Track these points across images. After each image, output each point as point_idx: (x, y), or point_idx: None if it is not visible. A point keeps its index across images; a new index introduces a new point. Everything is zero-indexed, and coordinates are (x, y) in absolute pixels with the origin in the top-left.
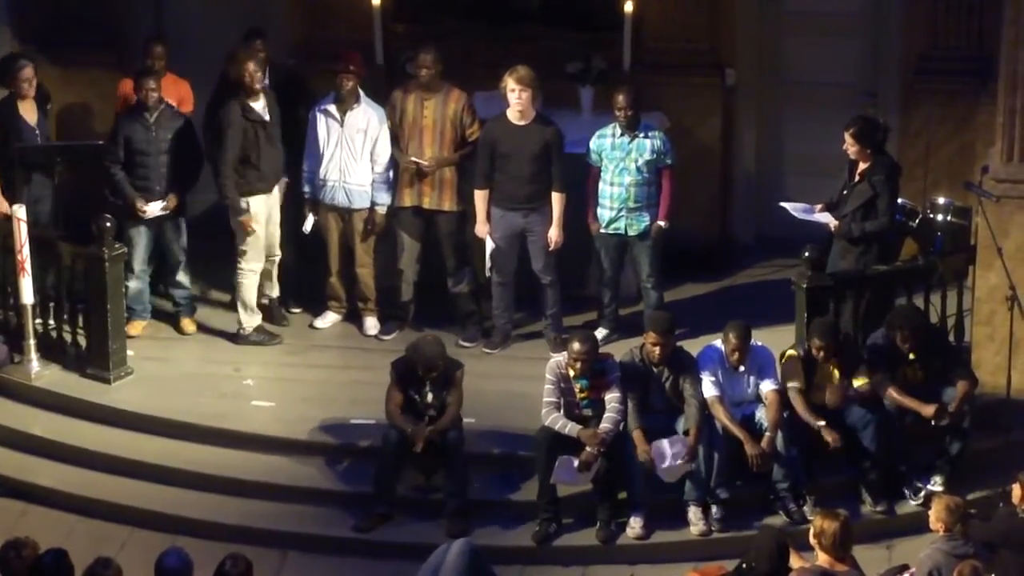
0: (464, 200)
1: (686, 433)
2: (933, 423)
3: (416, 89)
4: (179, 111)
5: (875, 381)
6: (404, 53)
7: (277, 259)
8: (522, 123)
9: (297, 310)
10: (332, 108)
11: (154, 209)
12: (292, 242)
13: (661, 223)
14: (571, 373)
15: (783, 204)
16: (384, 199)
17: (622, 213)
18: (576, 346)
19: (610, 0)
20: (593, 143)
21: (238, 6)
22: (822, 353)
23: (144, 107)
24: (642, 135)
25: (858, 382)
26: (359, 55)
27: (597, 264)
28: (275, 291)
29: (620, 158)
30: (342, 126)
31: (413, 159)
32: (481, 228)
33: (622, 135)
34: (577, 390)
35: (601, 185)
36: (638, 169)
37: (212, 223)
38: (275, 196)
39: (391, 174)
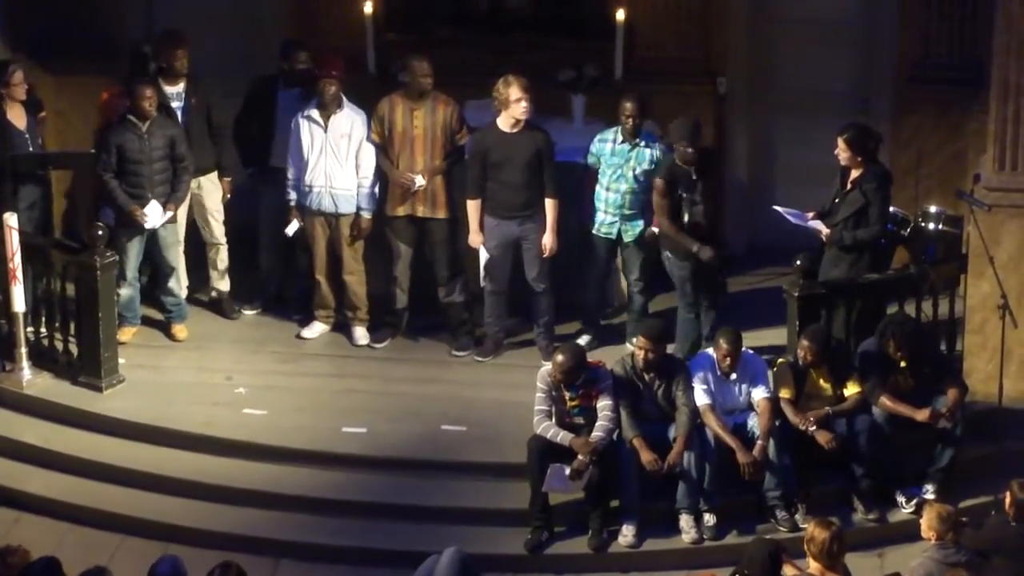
0: (455, 207)
1: (675, 440)
2: (934, 425)
3: (404, 99)
4: (171, 118)
5: (867, 389)
6: (396, 62)
7: (221, 248)
8: (513, 131)
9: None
10: (315, 114)
11: (154, 214)
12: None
13: (654, 229)
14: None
15: (776, 208)
16: (369, 205)
17: (616, 218)
18: (558, 359)
19: (602, 8)
20: (594, 146)
21: (230, 13)
22: (809, 357)
23: (139, 115)
24: (643, 144)
25: (849, 390)
26: (341, 60)
27: (587, 269)
28: (225, 285)
29: (619, 164)
30: (326, 131)
31: (409, 176)
32: (475, 238)
33: (623, 142)
34: (567, 398)
35: (597, 189)
36: (635, 177)
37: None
38: (202, 185)
39: (376, 179)
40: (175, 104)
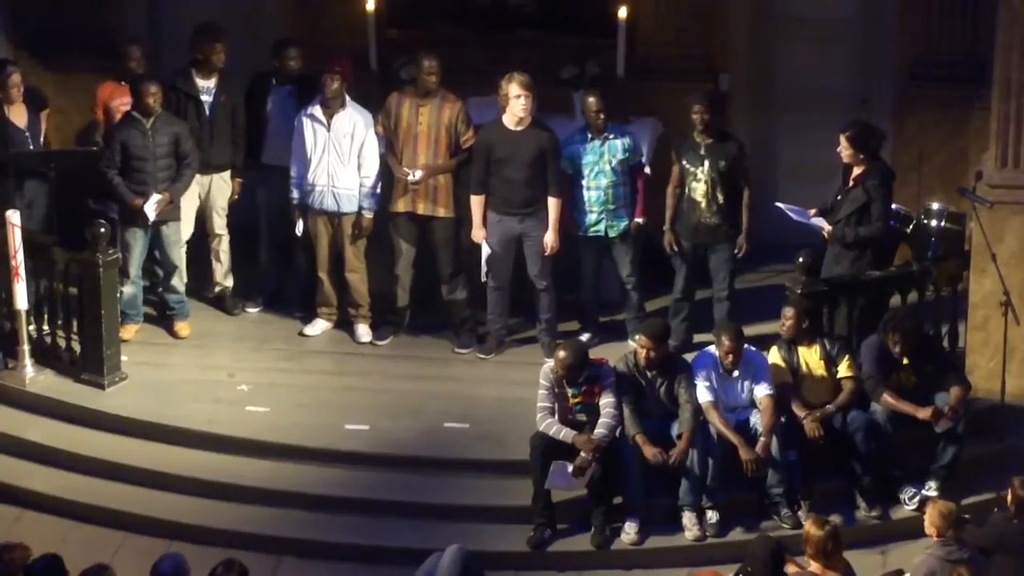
0: (460, 206)
1: (679, 437)
2: (936, 427)
3: (411, 95)
4: (176, 116)
5: (869, 386)
6: (399, 58)
7: (222, 239)
8: (518, 128)
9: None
10: (318, 112)
11: (152, 204)
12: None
13: (639, 220)
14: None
15: (779, 204)
16: (371, 204)
17: (602, 216)
18: (560, 355)
19: (604, 6)
20: (564, 151)
21: (233, 12)
22: (789, 321)
23: (144, 112)
24: (612, 136)
25: (842, 372)
26: (347, 60)
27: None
28: (229, 281)
29: (594, 161)
30: (329, 130)
31: (405, 170)
32: (477, 233)
33: (592, 139)
34: (570, 395)
35: (578, 190)
36: (612, 170)
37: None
38: (214, 181)
39: (378, 179)
40: (204, 98)
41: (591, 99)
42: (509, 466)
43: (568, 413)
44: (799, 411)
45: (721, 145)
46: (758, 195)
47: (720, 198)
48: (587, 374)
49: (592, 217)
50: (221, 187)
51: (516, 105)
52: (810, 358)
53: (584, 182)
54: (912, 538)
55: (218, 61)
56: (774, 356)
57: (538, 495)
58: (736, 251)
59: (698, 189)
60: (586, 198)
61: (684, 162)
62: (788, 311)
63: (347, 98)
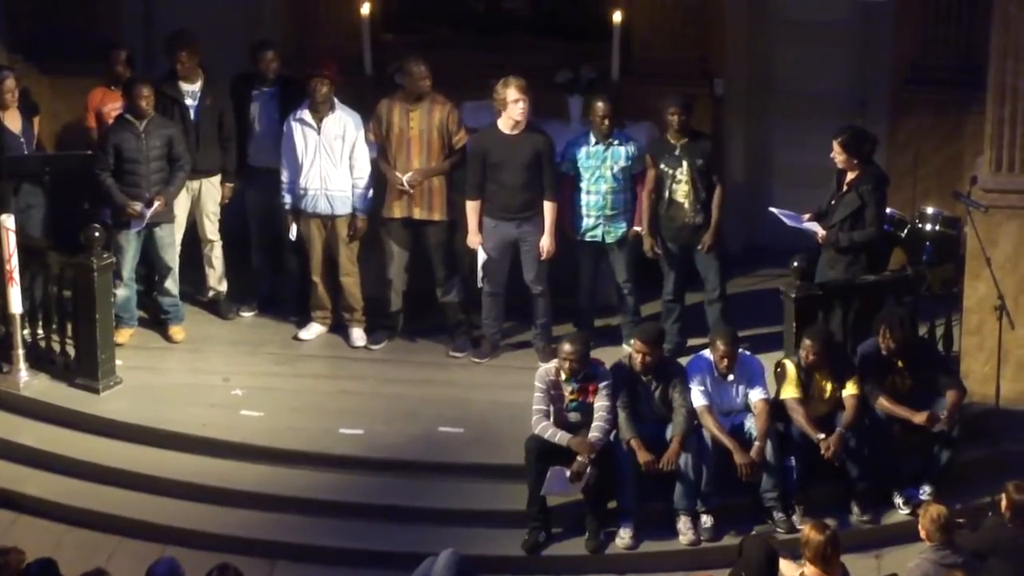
0: (453, 210)
1: (671, 441)
2: (931, 429)
3: (401, 100)
4: (168, 118)
5: (865, 390)
6: (393, 63)
7: (215, 245)
8: (514, 133)
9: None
10: (307, 116)
11: (146, 212)
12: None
13: (637, 229)
14: (561, 377)
15: (772, 209)
16: (364, 205)
17: (600, 221)
18: (567, 347)
19: (599, 10)
20: (566, 153)
21: (229, 16)
22: (811, 356)
23: (136, 114)
24: (616, 143)
25: (848, 391)
26: (335, 63)
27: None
28: (223, 285)
29: (596, 166)
30: (319, 133)
31: (398, 175)
32: (473, 239)
33: (596, 143)
34: (567, 393)
35: (578, 194)
36: (614, 176)
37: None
38: (203, 186)
39: (371, 180)
40: (189, 102)
41: (599, 104)
42: (504, 470)
43: (564, 412)
44: (809, 429)
45: (695, 144)
46: (753, 199)
47: (702, 196)
48: (584, 372)
49: (590, 222)
50: (211, 192)
51: (514, 109)
52: (821, 379)
53: (584, 186)
54: (907, 542)
55: (184, 70)
56: (787, 369)
57: (533, 499)
58: (700, 247)
59: (679, 190)
60: (585, 202)
61: (662, 165)
62: (809, 344)
63: (335, 100)
